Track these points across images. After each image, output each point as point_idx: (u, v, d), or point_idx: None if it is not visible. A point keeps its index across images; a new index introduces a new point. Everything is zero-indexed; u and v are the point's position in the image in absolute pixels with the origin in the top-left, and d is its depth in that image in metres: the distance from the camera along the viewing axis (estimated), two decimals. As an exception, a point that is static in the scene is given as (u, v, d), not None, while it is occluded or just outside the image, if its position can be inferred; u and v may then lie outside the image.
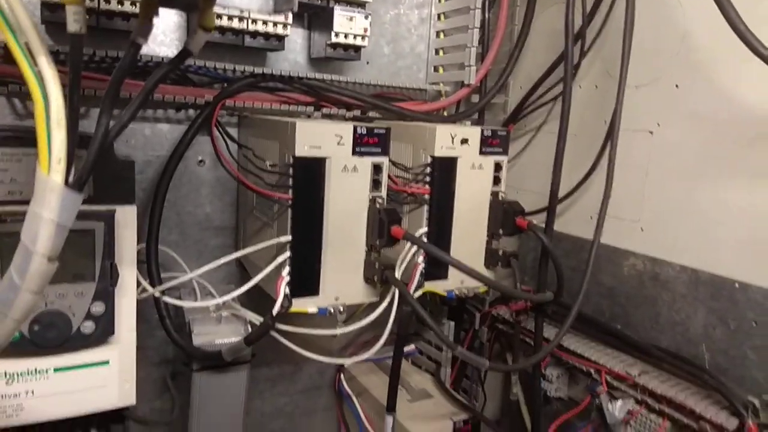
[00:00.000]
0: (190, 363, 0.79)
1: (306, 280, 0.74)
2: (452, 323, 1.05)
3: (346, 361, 0.91)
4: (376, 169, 0.75)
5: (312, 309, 0.75)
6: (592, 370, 0.83)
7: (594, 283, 0.89)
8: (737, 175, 0.73)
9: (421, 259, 0.81)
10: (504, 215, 0.84)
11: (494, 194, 0.85)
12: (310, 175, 0.71)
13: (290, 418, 1.05)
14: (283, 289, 0.72)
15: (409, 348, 1.11)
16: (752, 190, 0.71)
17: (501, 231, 0.85)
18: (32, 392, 0.63)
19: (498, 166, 0.85)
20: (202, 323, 0.80)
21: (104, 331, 0.64)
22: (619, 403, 0.78)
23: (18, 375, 0.62)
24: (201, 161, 0.89)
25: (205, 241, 0.91)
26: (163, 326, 0.77)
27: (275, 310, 0.72)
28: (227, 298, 0.76)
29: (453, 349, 0.76)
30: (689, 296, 0.77)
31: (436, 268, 0.84)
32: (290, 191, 0.71)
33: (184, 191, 0.88)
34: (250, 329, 0.79)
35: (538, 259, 0.91)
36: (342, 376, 1.05)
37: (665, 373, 0.77)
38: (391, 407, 0.84)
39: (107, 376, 0.66)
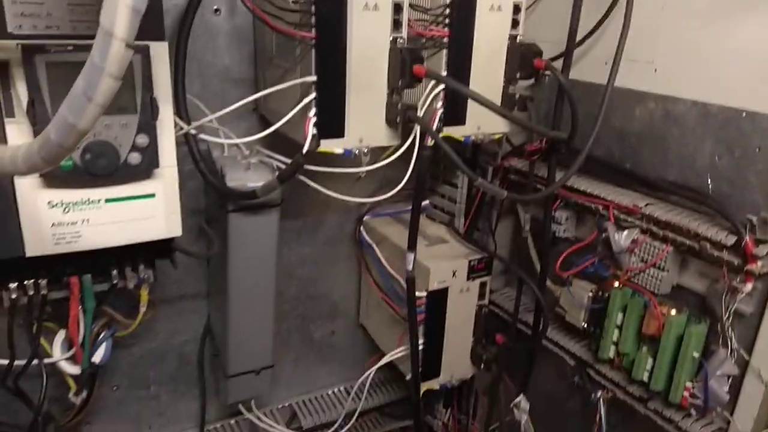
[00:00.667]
0: (225, 205, 0.83)
1: (332, 122, 0.77)
2: (465, 177, 1.10)
3: (369, 200, 0.97)
4: (397, 8, 0.76)
5: (338, 150, 0.79)
6: (600, 207, 0.88)
7: (605, 127, 0.92)
8: (749, 8, 0.74)
9: (439, 104, 0.84)
10: (522, 58, 0.86)
11: (512, 37, 0.86)
12: (333, 11, 0.72)
13: (315, 265, 1.12)
14: (311, 129, 0.75)
15: (424, 203, 1.16)
16: (763, 23, 0.73)
17: (518, 74, 0.87)
18: (87, 221, 0.68)
19: (517, 8, 0.85)
20: (233, 169, 0.84)
21: (149, 163, 0.68)
22: (625, 233, 0.85)
23: (73, 204, 0.67)
24: (216, 10, 0.88)
25: (226, 94, 0.93)
26: (197, 168, 0.81)
27: (305, 148, 0.75)
28: (256, 137, 0.79)
29: (474, 180, 0.81)
30: (698, 129, 0.81)
31: (454, 114, 0.86)
32: (313, 30, 0.72)
33: (201, 42, 0.89)
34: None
35: (552, 108, 0.94)
36: (362, 227, 1.11)
37: (671, 205, 0.83)
38: (411, 246, 0.90)
39: (154, 208, 0.71)
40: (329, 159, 0.79)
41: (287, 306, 1.12)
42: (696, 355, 0.78)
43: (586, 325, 0.94)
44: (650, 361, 0.84)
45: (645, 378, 0.84)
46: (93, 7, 0.62)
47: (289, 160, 0.81)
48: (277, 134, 0.78)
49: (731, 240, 0.73)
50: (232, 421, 1.13)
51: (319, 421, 1.15)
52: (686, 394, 0.79)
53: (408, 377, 1.02)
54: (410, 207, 0.88)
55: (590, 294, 0.92)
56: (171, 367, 1.04)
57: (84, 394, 0.86)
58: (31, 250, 0.67)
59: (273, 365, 1.00)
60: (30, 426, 0.84)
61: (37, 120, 0.61)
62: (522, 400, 1.02)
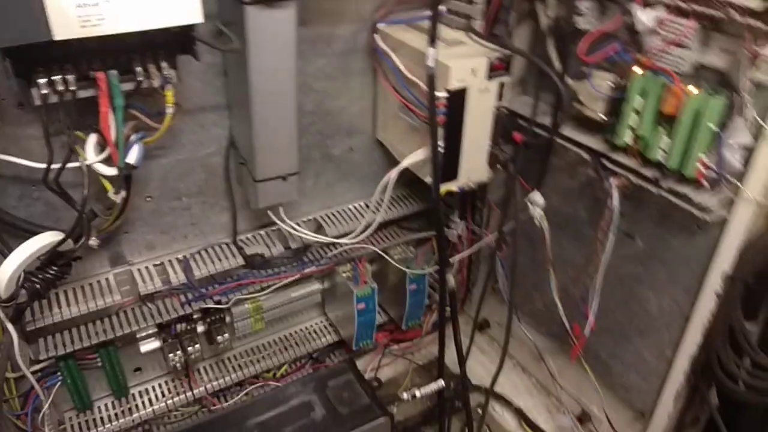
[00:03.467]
0: (242, -1, 0.82)
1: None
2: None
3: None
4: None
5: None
6: (627, -10, 0.86)
7: None
8: None
9: None
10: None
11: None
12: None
13: (331, 79, 1.12)
14: None
15: (440, 7, 1.13)
16: None
17: None
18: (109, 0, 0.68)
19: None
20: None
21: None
22: (650, 10, 0.83)
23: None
24: None
25: None
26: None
27: None
28: None
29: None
30: None
31: None
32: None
33: None
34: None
35: None
36: (377, 36, 1.09)
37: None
38: (432, 42, 0.89)
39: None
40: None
41: (306, 121, 1.13)
42: (712, 126, 0.80)
43: (604, 116, 0.95)
44: (666, 140, 0.87)
45: (660, 157, 0.88)
46: None
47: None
48: None
49: (758, 4, 0.72)
50: (262, 232, 1.20)
51: (344, 230, 1.22)
52: (700, 166, 0.83)
53: (428, 179, 1.06)
54: (425, 14, 0.86)
55: (611, 83, 0.92)
56: (199, 179, 1.08)
57: (123, 193, 0.90)
58: (59, 33, 0.67)
59: (299, 172, 1.04)
60: (73, 226, 0.89)
61: None
62: (536, 194, 1.07)
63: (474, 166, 1.08)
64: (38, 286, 0.86)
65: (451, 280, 1.14)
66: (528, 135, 1.06)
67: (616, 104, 0.92)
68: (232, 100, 1.03)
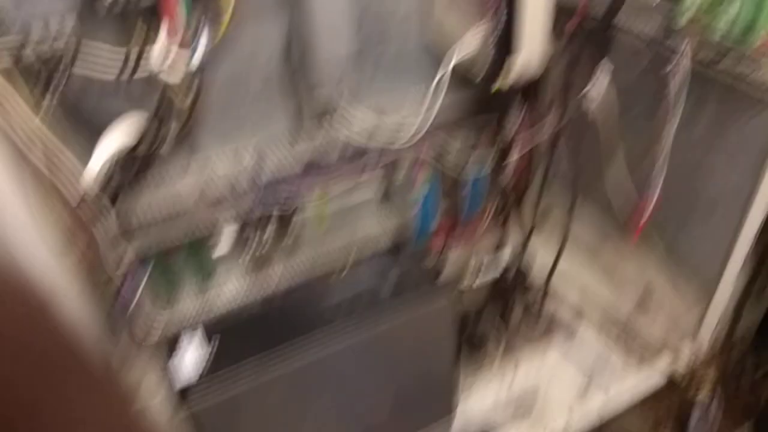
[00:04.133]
0: None
1: None
2: None
3: None
4: None
5: None
6: None
7: None
8: None
9: None
10: None
11: None
12: None
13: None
14: None
15: None
16: None
17: None
18: None
19: None
20: None
21: None
22: None
23: None
24: None
25: None
26: None
27: None
28: None
29: None
30: None
31: None
32: None
33: None
34: None
35: None
36: None
37: None
38: None
39: None
40: None
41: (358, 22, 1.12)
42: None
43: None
44: (729, 12, 0.82)
45: (723, 27, 0.83)
46: None
47: None
48: None
49: None
50: (321, 136, 1.22)
51: (397, 133, 1.23)
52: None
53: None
54: None
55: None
56: (261, 80, 1.11)
57: (191, 96, 0.95)
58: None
59: (354, 73, 1.05)
60: (149, 128, 0.95)
61: None
62: (597, 78, 1.04)
63: (532, 49, 1.05)
64: (125, 178, 0.94)
65: (511, 171, 1.16)
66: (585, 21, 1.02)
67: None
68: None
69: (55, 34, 0.80)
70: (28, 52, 0.77)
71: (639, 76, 1.05)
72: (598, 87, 1.05)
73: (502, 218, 1.22)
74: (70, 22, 0.83)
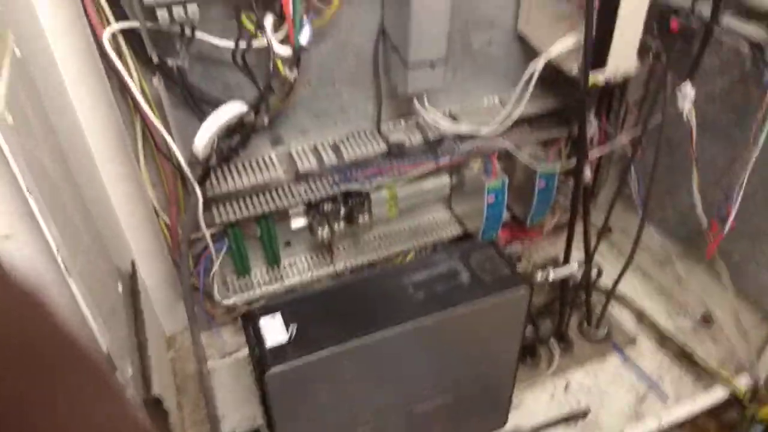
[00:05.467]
0: None
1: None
2: None
3: None
4: None
5: None
6: None
7: None
8: None
9: None
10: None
11: None
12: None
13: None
14: None
15: None
16: None
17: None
18: None
19: None
20: None
21: None
22: None
23: None
24: None
25: None
26: None
27: None
28: None
29: None
30: None
31: None
32: None
33: None
34: None
35: None
36: None
37: None
38: None
39: None
40: None
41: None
42: None
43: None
44: None
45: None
46: None
47: None
48: None
49: None
50: (402, 122, 1.26)
51: (478, 125, 1.25)
52: None
53: (574, 71, 1.06)
54: None
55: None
56: (351, 66, 1.15)
57: (295, 71, 0.98)
58: None
59: (446, 59, 1.08)
60: (257, 99, 0.99)
61: None
62: (687, 85, 1.05)
63: (624, 54, 1.06)
64: (225, 151, 0.97)
65: (587, 174, 1.16)
66: (686, 22, 1.03)
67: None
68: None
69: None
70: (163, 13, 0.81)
71: (732, 85, 1.06)
72: (690, 88, 1.05)
73: (571, 220, 1.22)
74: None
